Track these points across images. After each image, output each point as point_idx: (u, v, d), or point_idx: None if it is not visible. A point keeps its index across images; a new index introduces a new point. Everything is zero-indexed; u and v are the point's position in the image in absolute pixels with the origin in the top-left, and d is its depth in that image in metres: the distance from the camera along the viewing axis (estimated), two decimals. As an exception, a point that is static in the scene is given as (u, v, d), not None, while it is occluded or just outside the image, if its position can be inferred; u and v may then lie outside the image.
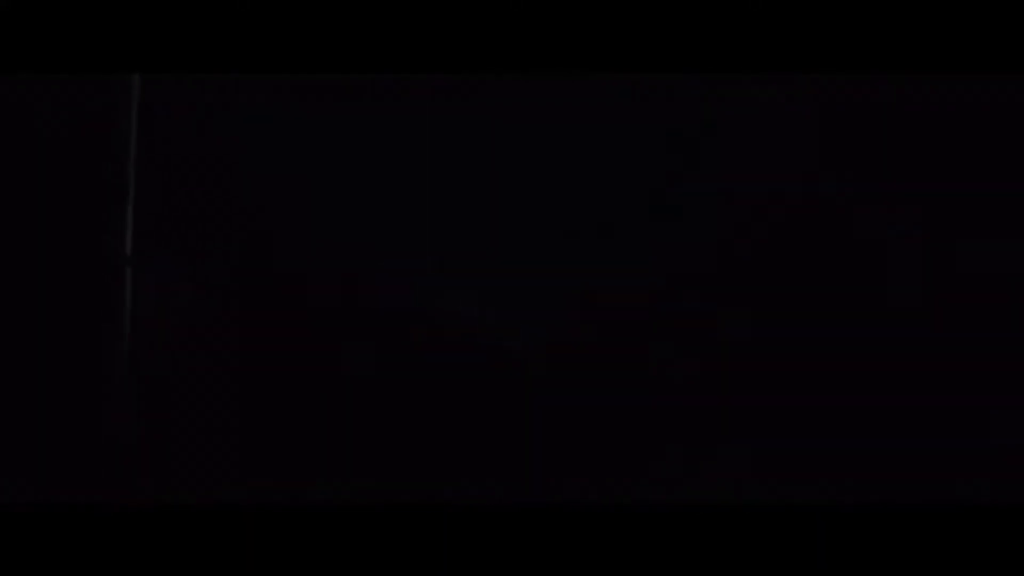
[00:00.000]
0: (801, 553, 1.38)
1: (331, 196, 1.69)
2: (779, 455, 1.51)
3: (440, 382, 1.69)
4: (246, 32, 1.60)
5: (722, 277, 1.67)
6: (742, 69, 1.53)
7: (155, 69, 1.63)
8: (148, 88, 1.67)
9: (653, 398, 1.60)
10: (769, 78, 1.57)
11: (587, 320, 1.67)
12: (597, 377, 1.65)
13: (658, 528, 1.37)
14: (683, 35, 1.50)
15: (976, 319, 1.69)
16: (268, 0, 1.58)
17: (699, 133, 1.64)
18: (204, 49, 1.61)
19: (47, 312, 1.73)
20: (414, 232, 1.69)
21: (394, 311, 1.65)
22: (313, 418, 1.58)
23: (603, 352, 1.67)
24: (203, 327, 1.66)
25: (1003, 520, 1.41)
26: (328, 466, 1.56)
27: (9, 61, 1.64)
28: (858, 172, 1.72)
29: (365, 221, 1.67)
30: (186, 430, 1.62)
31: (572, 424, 1.64)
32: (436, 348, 1.67)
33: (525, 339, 1.67)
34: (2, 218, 1.76)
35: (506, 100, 1.55)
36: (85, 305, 1.71)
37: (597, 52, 1.50)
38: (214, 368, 1.66)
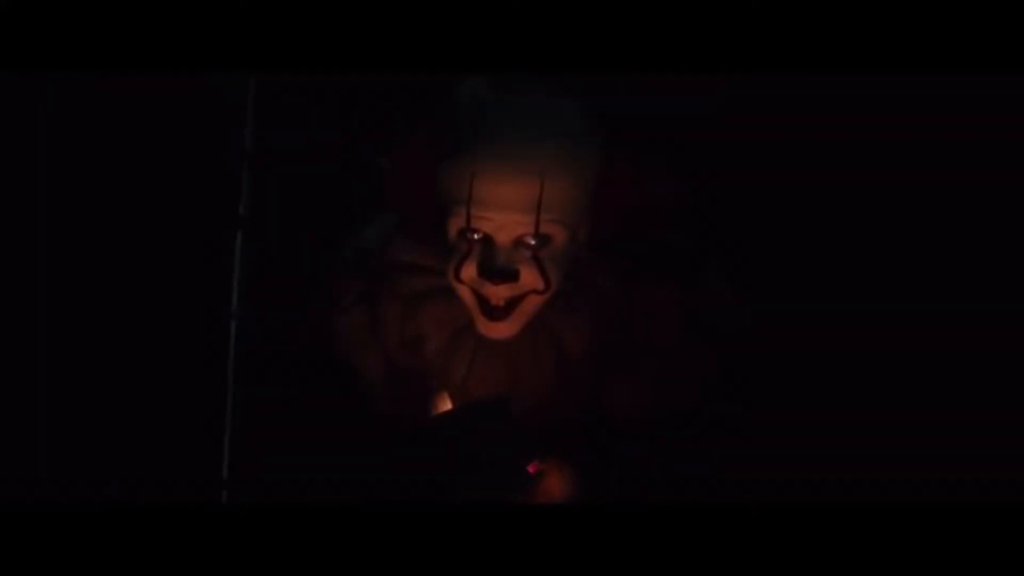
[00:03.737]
0: (801, 553, 1.36)
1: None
2: (779, 455, 1.50)
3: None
4: None
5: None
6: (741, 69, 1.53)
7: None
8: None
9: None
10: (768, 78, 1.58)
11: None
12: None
13: (659, 528, 1.36)
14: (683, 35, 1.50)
15: (975, 317, 1.70)
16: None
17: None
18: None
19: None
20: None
21: None
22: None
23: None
24: None
25: (1003, 519, 1.41)
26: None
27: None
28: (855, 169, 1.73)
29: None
30: None
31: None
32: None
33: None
34: None
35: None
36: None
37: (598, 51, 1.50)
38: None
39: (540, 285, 1.41)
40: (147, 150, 1.75)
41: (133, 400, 1.77)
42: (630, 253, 1.50)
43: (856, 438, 1.65)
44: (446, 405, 1.45)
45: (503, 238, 1.40)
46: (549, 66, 1.47)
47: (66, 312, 1.76)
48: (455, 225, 1.41)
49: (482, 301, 1.43)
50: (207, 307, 1.77)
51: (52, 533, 1.45)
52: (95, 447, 1.74)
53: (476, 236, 1.41)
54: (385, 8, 1.51)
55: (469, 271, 1.41)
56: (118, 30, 1.52)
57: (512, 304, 1.42)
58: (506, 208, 1.38)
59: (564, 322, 1.49)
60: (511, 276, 1.39)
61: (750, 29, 1.50)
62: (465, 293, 1.44)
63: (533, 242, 1.40)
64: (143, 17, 1.51)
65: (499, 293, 1.41)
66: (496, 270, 1.39)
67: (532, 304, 1.44)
